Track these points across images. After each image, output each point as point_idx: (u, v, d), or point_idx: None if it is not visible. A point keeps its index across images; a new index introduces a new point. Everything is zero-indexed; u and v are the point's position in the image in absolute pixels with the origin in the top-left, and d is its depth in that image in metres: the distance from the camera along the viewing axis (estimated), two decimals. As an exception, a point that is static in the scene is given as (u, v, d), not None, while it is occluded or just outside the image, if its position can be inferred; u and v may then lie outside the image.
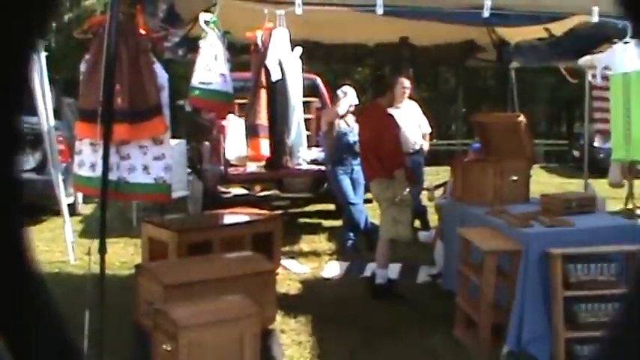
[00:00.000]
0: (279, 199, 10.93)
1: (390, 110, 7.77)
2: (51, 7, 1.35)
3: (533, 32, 7.69)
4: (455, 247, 6.74)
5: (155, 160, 5.59)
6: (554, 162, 26.12)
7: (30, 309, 1.25)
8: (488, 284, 5.59)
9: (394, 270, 8.06)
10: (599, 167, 12.41)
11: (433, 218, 9.19)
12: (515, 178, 6.88)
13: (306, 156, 8.24)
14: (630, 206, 9.10)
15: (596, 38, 6.53)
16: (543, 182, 16.21)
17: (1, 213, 1.22)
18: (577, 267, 5.31)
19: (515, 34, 8.56)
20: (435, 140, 20.63)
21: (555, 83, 27.76)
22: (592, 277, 5.34)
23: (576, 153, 21.58)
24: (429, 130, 9.91)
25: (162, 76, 5.63)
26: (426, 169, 10.44)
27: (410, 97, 9.43)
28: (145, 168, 5.54)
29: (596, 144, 13.28)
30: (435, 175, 12.06)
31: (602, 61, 6.17)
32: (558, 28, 7.06)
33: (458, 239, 6.47)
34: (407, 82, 9.09)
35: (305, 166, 10.14)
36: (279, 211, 9.87)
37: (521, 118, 7.16)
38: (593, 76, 6.70)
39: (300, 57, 6.90)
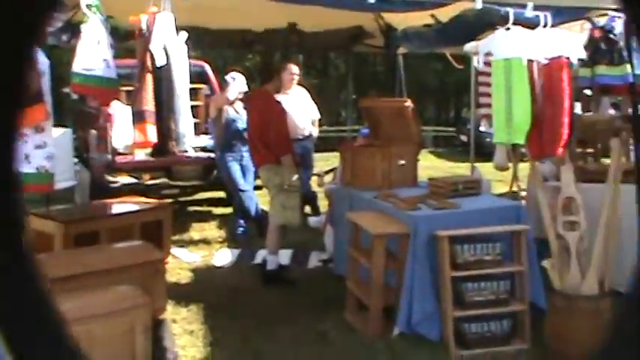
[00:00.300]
0: (169, 188, 10.81)
1: (278, 96, 7.76)
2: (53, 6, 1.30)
3: (419, 18, 7.76)
4: (345, 232, 6.79)
5: (36, 149, 5.42)
6: (443, 146, 26.64)
7: (30, 309, 1.22)
8: (378, 267, 5.66)
9: (285, 256, 8.07)
10: (485, 151, 12.65)
11: (324, 204, 9.23)
12: (403, 162, 6.97)
13: (192, 143, 8.16)
14: (515, 188, 9.31)
15: (480, 25, 6.65)
16: (432, 166, 16.52)
17: (5, 212, 1.18)
18: (464, 248, 5.44)
19: (402, 21, 8.62)
20: (325, 127, 20.77)
21: (443, 69, 28.26)
22: (478, 257, 5.48)
23: (464, 137, 22.06)
24: (318, 116, 9.94)
25: (42, 62, 5.45)
26: (316, 155, 10.48)
27: (299, 84, 9.44)
28: (26, 157, 5.37)
29: (482, 128, 13.51)
30: (325, 161, 12.10)
31: (485, 47, 6.29)
32: (444, 15, 7.15)
33: (347, 224, 6.52)
34: (295, 68, 9.09)
35: (194, 154, 10.05)
36: (169, 200, 9.76)
37: (409, 103, 7.24)
38: (479, 62, 6.83)
39: (187, 43, 6.81)
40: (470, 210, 5.98)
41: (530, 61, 5.74)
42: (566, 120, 5.66)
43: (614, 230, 5.52)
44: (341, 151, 7.85)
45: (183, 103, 6.71)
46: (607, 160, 6.92)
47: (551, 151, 5.86)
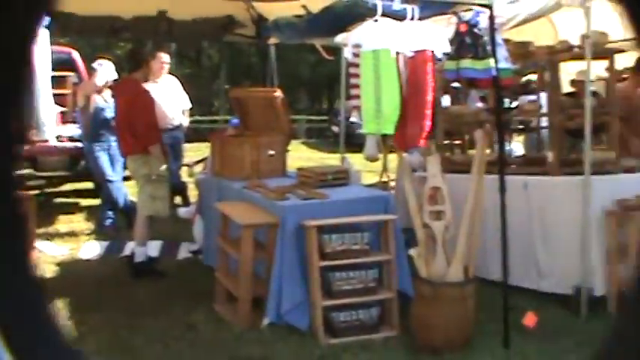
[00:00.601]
0: (34, 179, 10.45)
1: (148, 85, 7.63)
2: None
3: (290, 9, 7.76)
4: (214, 223, 6.75)
5: None
6: (315, 137, 26.81)
7: (29, 309, 1.23)
8: (246, 258, 5.64)
9: (154, 247, 7.97)
10: (356, 142, 12.75)
11: (194, 194, 9.14)
12: (272, 152, 6.98)
13: (54, 132, 7.92)
14: (385, 179, 9.46)
15: (350, 16, 6.68)
16: (304, 157, 16.62)
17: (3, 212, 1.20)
18: (332, 237, 5.49)
19: (273, 10, 8.61)
20: (197, 116, 20.58)
21: (316, 60, 28.42)
22: (346, 246, 5.53)
23: (336, 128, 22.21)
24: (188, 105, 9.84)
25: None
26: (188, 145, 10.38)
27: (170, 73, 9.30)
28: None
29: (353, 119, 13.65)
30: (197, 151, 12.00)
31: (354, 38, 6.33)
32: (315, 5, 7.17)
33: (216, 214, 6.48)
34: (165, 57, 8.97)
35: (60, 144, 9.77)
36: (34, 191, 9.45)
37: (278, 93, 7.25)
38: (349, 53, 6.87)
39: (49, 28, 6.59)
40: (338, 200, 6.02)
41: (397, 53, 5.81)
42: (428, 112, 5.77)
43: (478, 219, 5.67)
44: (211, 141, 7.79)
45: (43, 90, 6.48)
46: (473, 152, 7.09)
47: (413, 142, 5.97)
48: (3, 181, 1.20)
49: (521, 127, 9.90)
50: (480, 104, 9.83)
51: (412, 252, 5.60)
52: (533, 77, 9.03)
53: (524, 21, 7.31)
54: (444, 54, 6.00)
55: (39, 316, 1.25)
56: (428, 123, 5.80)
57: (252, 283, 5.71)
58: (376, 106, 5.88)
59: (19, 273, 1.21)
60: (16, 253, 1.22)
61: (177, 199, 9.76)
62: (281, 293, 5.58)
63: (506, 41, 7.31)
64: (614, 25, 7.21)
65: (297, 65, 30.93)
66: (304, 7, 7.47)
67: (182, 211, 9.08)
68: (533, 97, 8.83)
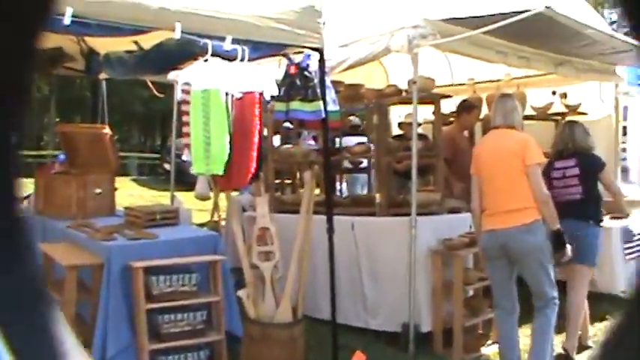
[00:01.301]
0: None
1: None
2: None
3: (122, 44, 7.62)
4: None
5: None
6: (147, 174, 26.41)
7: (28, 302, 1.21)
8: (70, 300, 5.43)
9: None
10: (188, 180, 12.67)
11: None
12: (99, 190, 6.81)
13: None
14: (216, 218, 9.41)
15: (182, 54, 6.64)
16: (135, 195, 16.32)
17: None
18: (159, 279, 5.38)
19: (105, 45, 8.43)
20: (24, 150, 19.84)
21: (149, 96, 28.07)
22: (174, 288, 5.43)
23: (167, 166, 21.98)
24: (13, 139, 9.46)
25: None
26: (11, 182, 9.95)
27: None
28: None
29: (184, 158, 13.53)
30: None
31: (184, 76, 6.30)
32: (147, 42, 7.08)
33: (39, 255, 6.23)
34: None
35: None
36: None
37: (107, 130, 7.10)
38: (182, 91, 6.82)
39: None
40: (167, 240, 5.92)
41: (226, 94, 5.81)
42: (254, 154, 5.79)
43: (306, 259, 5.73)
44: (36, 177, 7.51)
45: None
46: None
47: (237, 184, 5.99)
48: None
49: (350, 166, 10.11)
50: (312, 143, 9.97)
51: (241, 293, 5.58)
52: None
53: (355, 64, 7.48)
54: (272, 96, 6.05)
55: (39, 315, 1.21)
56: (253, 165, 5.82)
57: (76, 326, 5.51)
58: (205, 146, 5.85)
59: (19, 271, 1.20)
60: (16, 252, 1.20)
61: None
62: (106, 337, 5.40)
63: (337, 83, 7.47)
64: (441, 71, 7.52)
65: (130, 101, 30.43)
66: (136, 42, 7.35)
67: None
68: (361, 139, 9.04)
